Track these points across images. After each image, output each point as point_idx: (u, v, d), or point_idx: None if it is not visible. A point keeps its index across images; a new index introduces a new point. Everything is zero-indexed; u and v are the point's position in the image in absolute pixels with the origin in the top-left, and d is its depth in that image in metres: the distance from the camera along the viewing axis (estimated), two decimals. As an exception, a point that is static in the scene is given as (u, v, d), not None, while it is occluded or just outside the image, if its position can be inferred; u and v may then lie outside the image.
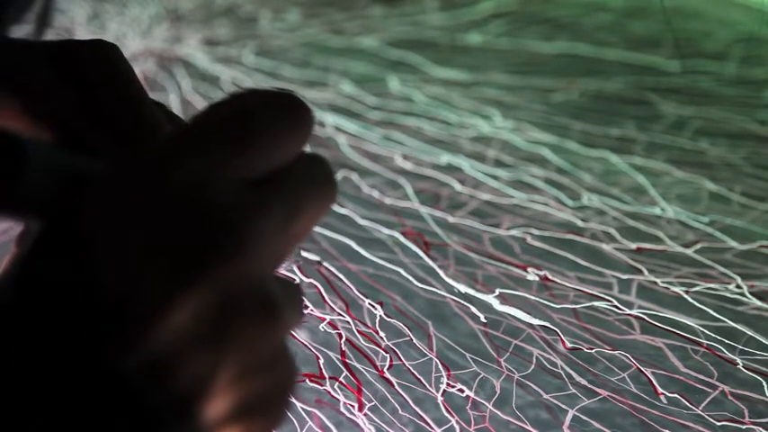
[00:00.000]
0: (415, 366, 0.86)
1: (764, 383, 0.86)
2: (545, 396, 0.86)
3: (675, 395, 0.84)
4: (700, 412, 0.83)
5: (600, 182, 1.27)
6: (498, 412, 0.84)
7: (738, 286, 1.00)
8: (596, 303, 0.95)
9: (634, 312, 0.94)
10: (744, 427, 0.83)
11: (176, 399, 0.22)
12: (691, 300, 0.97)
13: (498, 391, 0.86)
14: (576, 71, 1.69)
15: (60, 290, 0.22)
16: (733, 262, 1.06)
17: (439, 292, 0.98)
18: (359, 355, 0.87)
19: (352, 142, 1.40)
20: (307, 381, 0.83)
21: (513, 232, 1.12)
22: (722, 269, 1.03)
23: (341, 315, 0.90)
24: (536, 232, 1.11)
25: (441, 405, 0.83)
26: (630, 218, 1.17)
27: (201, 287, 0.22)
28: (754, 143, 1.41)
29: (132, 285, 0.22)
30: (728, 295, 0.99)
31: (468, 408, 0.84)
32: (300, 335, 0.87)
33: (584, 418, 0.83)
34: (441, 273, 1.00)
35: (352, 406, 0.82)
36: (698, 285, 0.99)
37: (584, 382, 0.87)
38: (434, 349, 0.89)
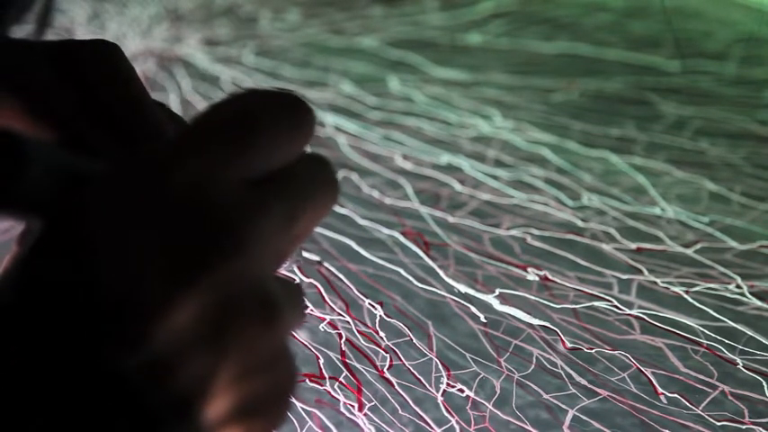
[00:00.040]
0: (415, 366, 0.86)
1: (764, 383, 0.86)
2: (545, 396, 0.86)
3: (675, 395, 0.84)
4: (700, 412, 0.83)
5: (600, 182, 1.27)
6: (498, 412, 0.84)
7: (738, 286, 1.00)
8: (596, 303, 0.95)
9: (634, 312, 0.94)
10: (744, 427, 0.83)
11: (176, 399, 0.22)
12: (691, 300, 0.97)
13: (498, 391, 0.86)
14: (576, 71, 1.69)
15: (60, 290, 0.22)
16: (733, 262, 1.06)
17: (439, 292, 0.98)
18: (359, 355, 0.87)
19: (352, 142, 1.40)
20: (307, 381, 0.83)
21: (513, 232, 1.12)
22: (722, 269, 1.03)
23: (341, 315, 0.90)
24: (536, 232, 1.11)
25: (441, 405, 0.83)
26: (630, 218, 1.17)
27: (202, 287, 0.22)
28: (754, 143, 1.41)
29: (132, 285, 0.22)
30: (728, 295, 0.99)
31: (468, 408, 0.84)
32: (300, 335, 0.87)
33: (585, 418, 0.83)
34: (441, 273, 1.00)
35: (352, 406, 0.82)
36: (698, 285, 0.99)
37: (584, 382, 0.87)
38: (434, 349, 0.89)
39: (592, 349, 0.89)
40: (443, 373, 0.86)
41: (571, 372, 0.87)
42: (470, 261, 1.07)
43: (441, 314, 0.97)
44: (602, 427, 0.83)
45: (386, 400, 0.84)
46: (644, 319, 0.92)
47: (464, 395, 0.85)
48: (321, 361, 0.85)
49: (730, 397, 0.86)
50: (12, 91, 0.30)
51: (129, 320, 0.22)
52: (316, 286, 0.93)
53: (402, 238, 1.10)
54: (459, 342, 0.91)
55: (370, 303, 0.92)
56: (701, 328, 0.91)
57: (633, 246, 1.09)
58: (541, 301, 0.96)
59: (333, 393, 0.83)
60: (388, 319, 0.90)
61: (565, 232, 1.13)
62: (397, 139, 1.41)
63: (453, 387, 0.85)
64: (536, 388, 0.86)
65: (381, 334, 0.89)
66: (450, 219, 1.16)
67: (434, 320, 0.95)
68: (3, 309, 0.22)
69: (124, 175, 0.24)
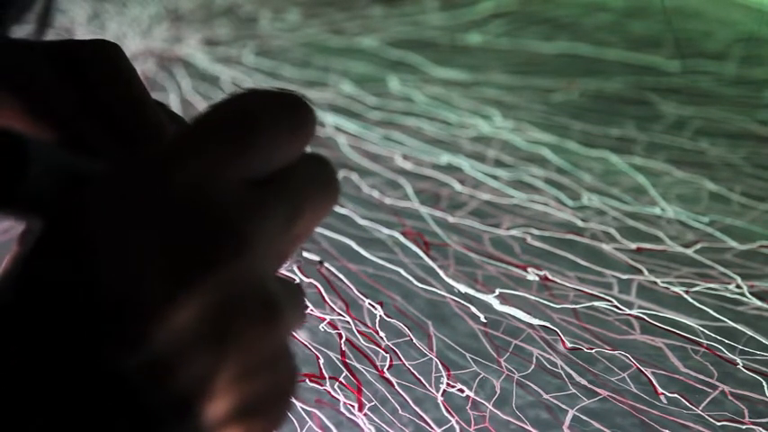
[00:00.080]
0: (415, 366, 0.86)
1: (764, 383, 0.86)
2: (545, 396, 0.86)
3: (675, 395, 0.84)
4: (700, 412, 0.83)
5: (600, 182, 1.27)
6: (498, 412, 0.84)
7: (738, 286, 1.00)
8: (596, 303, 0.95)
9: (634, 312, 0.94)
10: (744, 427, 0.83)
11: (177, 399, 0.22)
12: (691, 300, 0.97)
13: (498, 391, 0.86)
14: (576, 71, 1.69)
15: (60, 290, 0.22)
16: (733, 262, 1.06)
17: (439, 292, 0.98)
18: (359, 355, 0.87)
19: (352, 142, 1.40)
20: (307, 381, 0.83)
21: (513, 232, 1.12)
22: (722, 269, 1.03)
23: (341, 315, 0.90)
24: (536, 232, 1.11)
25: (441, 405, 0.83)
26: (630, 218, 1.17)
27: (202, 287, 0.22)
28: (754, 143, 1.41)
29: (133, 285, 0.22)
30: (728, 295, 0.99)
31: (468, 408, 0.84)
32: (300, 335, 0.87)
33: (585, 418, 0.83)
34: (441, 273, 1.00)
35: (352, 406, 0.82)
36: (698, 285, 0.99)
37: (584, 382, 0.87)
38: (434, 349, 0.89)
39: (592, 349, 0.89)
40: (443, 373, 0.86)
41: (571, 372, 0.87)
42: (470, 261, 1.07)
43: (441, 314, 0.97)
44: (602, 427, 0.83)
45: (386, 400, 0.84)
46: (644, 319, 0.92)
47: (464, 395, 0.85)
48: (321, 361, 0.85)
49: (730, 397, 0.86)
50: (12, 91, 0.30)
51: (130, 320, 0.22)
52: (316, 286, 0.93)
53: (402, 238, 1.10)
54: (459, 342, 0.91)
55: (370, 303, 0.92)
56: (701, 328, 0.91)
57: (633, 246, 1.09)
58: (541, 301, 0.96)
59: (333, 393, 0.83)
60: (388, 319, 0.90)
61: (565, 232, 1.13)
62: (397, 139, 1.41)
63: (453, 387, 0.85)
64: (536, 388, 0.86)
65: (381, 334, 0.89)
66: (450, 219, 1.16)
67: (434, 320, 0.95)
68: (3, 309, 0.22)
69: (124, 175, 0.24)
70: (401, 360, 0.87)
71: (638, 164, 1.32)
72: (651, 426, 0.83)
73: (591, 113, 1.50)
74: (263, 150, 0.25)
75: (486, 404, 0.84)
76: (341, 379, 0.83)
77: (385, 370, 0.85)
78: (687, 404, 0.83)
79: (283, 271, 0.27)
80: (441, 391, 0.84)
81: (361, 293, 0.95)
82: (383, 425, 0.82)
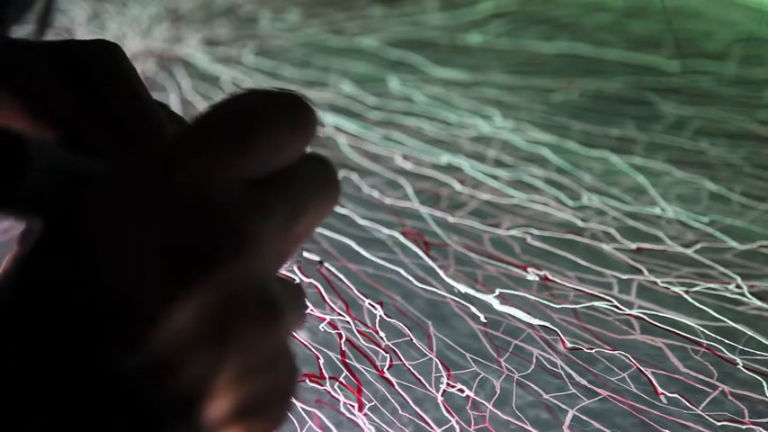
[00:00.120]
0: (415, 366, 0.86)
1: (764, 383, 0.86)
2: (545, 396, 0.86)
3: (675, 395, 0.84)
4: (700, 412, 0.83)
5: (600, 182, 1.27)
6: (498, 412, 0.84)
7: (738, 286, 1.00)
8: (596, 303, 0.95)
9: (634, 312, 0.94)
10: (744, 427, 0.83)
11: (177, 399, 0.22)
12: (691, 300, 0.97)
13: (498, 391, 0.85)
14: (576, 71, 1.69)
15: (60, 290, 0.22)
16: (733, 262, 1.06)
17: (439, 292, 0.98)
18: (359, 355, 0.87)
19: (352, 142, 1.40)
20: (307, 381, 0.83)
21: (513, 232, 1.12)
22: (722, 269, 1.03)
23: (341, 315, 0.90)
24: (536, 232, 1.11)
25: (441, 405, 0.83)
26: (630, 218, 1.17)
27: (202, 287, 0.22)
28: (754, 143, 1.41)
29: (133, 285, 0.22)
30: (728, 295, 0.99)
31: (468, 408, 0.84)
32: (300, 335, 0.87)
33: (585, 418, 0.83)
34: (441, 273, 1.00)
35: (352, 406, 0.82)
36: (698, 285, 0.99)
37: (584, 382, 0.87)
38: (434, 349, 0.89)
39: (592, 349, 0.89)
40: (443, 373, 0.86)
41: (571, 372, 0.87)
42: (470, 261, 1.07)
43: (441, 314, 0.97)
44: (602, 427, 0.83)
45: (386, 400, 0.84)
46: (644, 319, 0.92)
47: (464, 395, 0.85)
48: (321, 361, 0.85)
49: (730, 397, 0.86)
50: (12, 91, 0.30)
51: (130, 320, 0.22)
52: (316, 286, 0.93)
53: (402, 238, 1.10)
54: (459, 342, 0.91)
55: (370, 303, 0.92)
56: (701, 328, 0.91)
57: (633, 246, 1.09)
58: (541, 301, 0.96)
59: (333, 393, 0.83)
60: (388, 319, 0.90)
61: (565, 232, 1.13)
62: (397, 139, 1.41)
63: (453, 387, 0.85)
64: (536, 388, 0.86)
65: (381, 334, 0.89)
66: (450, 219, 1.16)
67: (434, 320, 0.95)
68: (3, 309, 0.22)
69: (125, 174, 0.24)
70: (401, 360, 0.87)
71: (638, 164, 1.32)
72: (651, 426, 0.83)
73: (591, 113, 1.50)
74: (263, 150, 0.25)
75: (486, 404, 0.84)
76: (341, 379, 0.83)
77: (385, 370, 0.85)
78: (687, 404, 0.83)
79: (283, 271, 0.27)
80: (441, 391, 0.84)
81: (361, 293, 0.95)
82: (383, 425, 0.82)
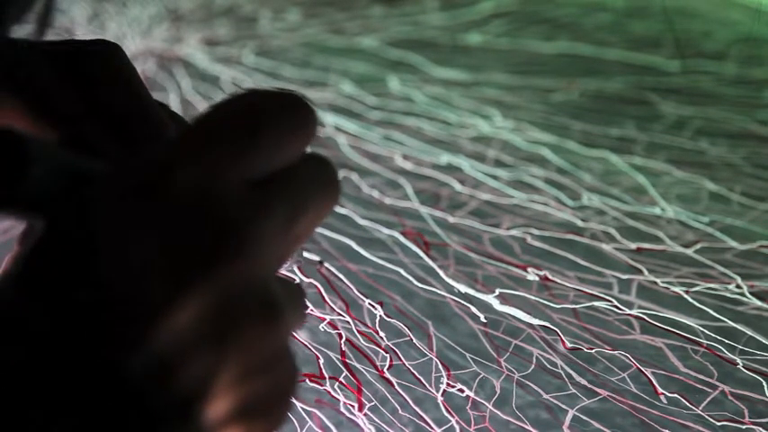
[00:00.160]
0: (415, 366, 0.86)
1: (764, 383, 0.86)
2: (545, 396, 0.86)
3: (675, 395, 0.84)
4: (700, 412, 0.83)
5: (600, 182, 1.27)
6: (498, 412, 0.84)
7: (738, 286, 1.00)
8: (596, 303, 0.95)
9: (634, 312, 0.94)
10: (744, 427, 0.83)
11: (178, 399, 0.22)
12: (691, 300, 0.97)
13: (498, 391, 0.86)
14: (576, 71, 1.69)
15: (61, 290, 0.22)
16: (733, 262, 1.06)
17: (439, 292, 0.98)
18: (359, 355, 0.87)
19: (352, 142, 1.40)
20: (307, 381, 0.83)
21: (513, 232, 1.12)
22: (722, 269, 1.03)
23: (341, 315, 0.90)
24: (536, 232, 1.11)
25: (441, 405, 0.83)
26: (630, 218, 1.17)
27: (204, 288, 0.22)
28: (754, 143, 1.41)
29: (134, 285, 0.22)
30: (728, 295, 0.99)
31: (468, 408, 0.84)
32: (300, 335, 0.87)
33: (585, 418, 0.83)
34: (441, 273, 1.00)
35: (352, 406, 0.82)
36: (698, 285, 0.99)
37: (584, 382, 0.87)
38: (434, 349, 0.89)
39: (592, 349, 0.89)
40: (443, 373, 0.86)
41: (571, 372, 0.87)
42: (470, 261, 1.07)
43: (441, 314, 0.97)
44: (602, 427, 0.83)
45: (386, 400, 0.84)
46: (644, 319, 0.92)
47: (464, 395, 0.85)
48: (321, 361, 0.85)
49: (730, 397, 0.86)
50: (13, 91, 0.30)
51: (131, 321, 0.22)
52: (316, 286, 0.93)
53: (402, 238, 1.10)
54: (459, 342, 0.91)
55: (370, 303, 0.92)
56: (701, 328, 0.91)
57: (633, 246, 1.09)
58: (541, 301, 0.96)
59: (333, 393, 0.83)
60: (388, 319, 0.90)
61: (565, 232, 1.13)
62: (397, 139, 1.41)
63: (453, 387, 0.85)
64: (536, 388, 0.86)
65: (381, 334, 0.89)
66: (451, 219, 1.16)
67: (434, 320, 0.95)
68: (3, 309, 0.22)
69: (126, 175, 0.24)
70: (401, 360, 0.87)
71: (638, 164, 1.32)
72: (651, 426, 0.83)
73: (591, 113, 1.50)
74: (263, 150, 0.25)
75: (486, 404, 0.84)
76: (341, 379, 0.83)
77: (385, 370, 0.85)
78: (687, 404, 0.84)
79: (283, 271, 0.27)
80: (441, 391, 0.84)
81: (361, 293, 0.95)
82: (383, 425, 0.82)
